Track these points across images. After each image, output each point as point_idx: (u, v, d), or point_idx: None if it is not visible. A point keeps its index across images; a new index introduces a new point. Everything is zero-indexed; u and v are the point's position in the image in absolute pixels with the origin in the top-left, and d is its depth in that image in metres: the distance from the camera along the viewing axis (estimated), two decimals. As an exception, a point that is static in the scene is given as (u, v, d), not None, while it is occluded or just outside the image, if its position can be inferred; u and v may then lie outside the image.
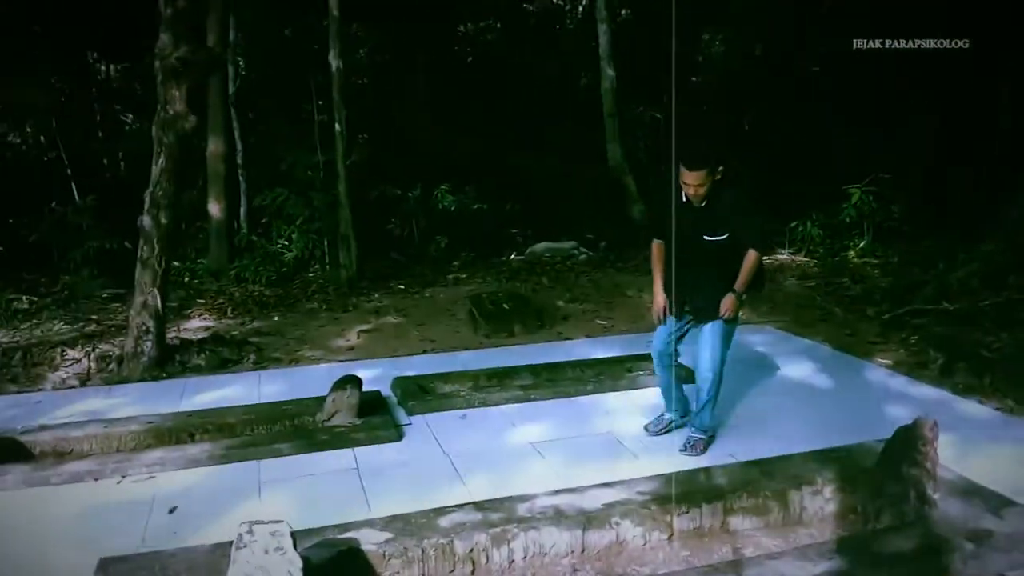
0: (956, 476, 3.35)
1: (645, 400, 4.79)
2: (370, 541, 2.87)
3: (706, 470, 3.55)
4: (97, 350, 6.19)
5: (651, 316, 4.08)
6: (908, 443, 3.06)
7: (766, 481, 3.33)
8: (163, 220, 5.83)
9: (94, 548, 2.96)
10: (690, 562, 3.00)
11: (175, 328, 7.02)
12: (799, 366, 5.52)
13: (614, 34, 11.76)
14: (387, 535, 2.91)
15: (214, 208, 10.08)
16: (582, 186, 11.81)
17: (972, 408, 4.56)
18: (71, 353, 6.12)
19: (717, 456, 3.90)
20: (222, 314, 7.92)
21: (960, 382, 4.97)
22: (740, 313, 3.90)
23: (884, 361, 5.60)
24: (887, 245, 9.81)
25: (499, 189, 11.51)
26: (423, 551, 2.85)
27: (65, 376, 5.74)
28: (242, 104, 10.96)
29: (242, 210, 10.95)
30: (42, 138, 11.33)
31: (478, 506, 3.15)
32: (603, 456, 3.98)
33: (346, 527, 2.99)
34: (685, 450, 3.95)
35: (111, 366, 5.88)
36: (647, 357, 4.84)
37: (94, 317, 7.66)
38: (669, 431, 4.20)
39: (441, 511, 3.11)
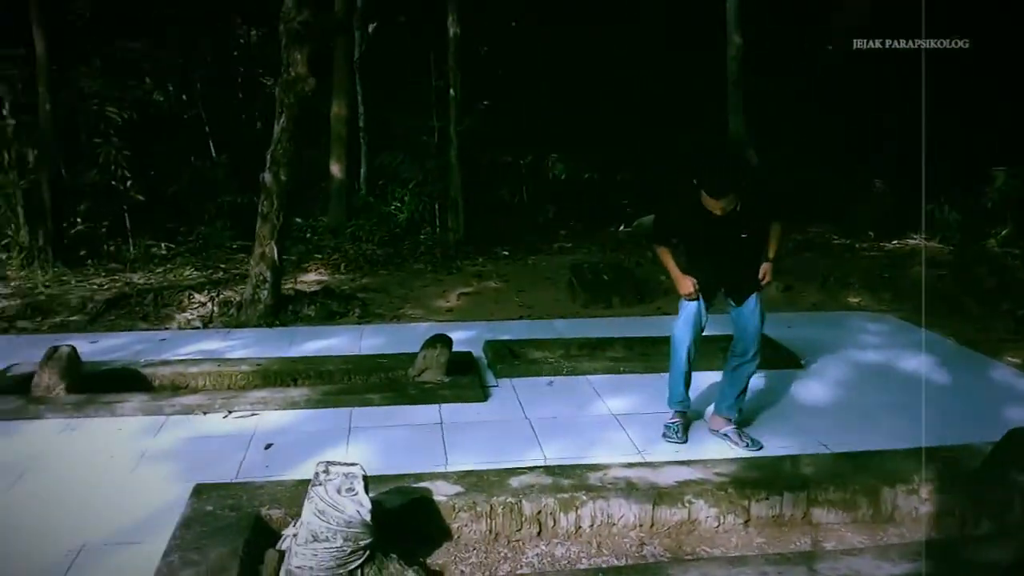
0: (1075, 489, 3.04)
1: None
2: (442, 493, 2.95)
3: (793, 458, 3.40)
4: (221, 296, 6.67)
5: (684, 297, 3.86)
6: (1019, 447, 2.81)
7: (856, 475, 3.15)
8: (283, 177, 6.15)
9: (194, 475, 3.22)
10: (764, 549, 2.90)
11: (293, 280, 7.43)
12: (917, 359, 5.14)
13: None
14: (459, 488, 2.99)
15: (335, 168, 10.53)
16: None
17: (1109, 418, 4.11)
18: (197, 297, 6.63)
19: (808, 445, 3.73)
20: (335, 269, 8.31)
21: (1099, 389, 4.49)
22: None
23: (1013, 360, 5.13)
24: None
25: (611, 159, 11.34)
26: (491, 507, 2.91)
27: (190, 318, 6.22)
28: (366, 69, 11.30)
29: (362, 171, 11.37)
30: (184, 97, 12.13)
31: (549, 470, 3.17)
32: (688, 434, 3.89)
33: (421, 477, 3.10)
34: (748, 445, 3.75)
35: (231, 311, 6.32)
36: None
37: (222, 265, 8.24)
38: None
39: (513, 471, 3.16)
